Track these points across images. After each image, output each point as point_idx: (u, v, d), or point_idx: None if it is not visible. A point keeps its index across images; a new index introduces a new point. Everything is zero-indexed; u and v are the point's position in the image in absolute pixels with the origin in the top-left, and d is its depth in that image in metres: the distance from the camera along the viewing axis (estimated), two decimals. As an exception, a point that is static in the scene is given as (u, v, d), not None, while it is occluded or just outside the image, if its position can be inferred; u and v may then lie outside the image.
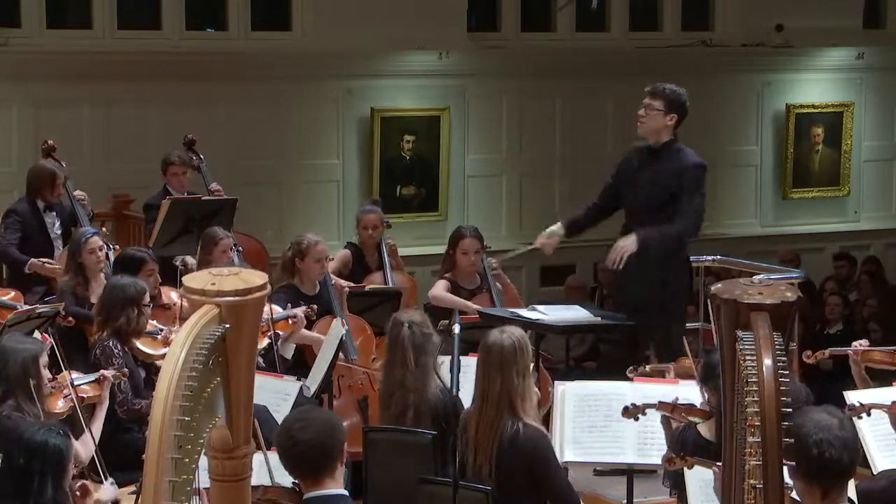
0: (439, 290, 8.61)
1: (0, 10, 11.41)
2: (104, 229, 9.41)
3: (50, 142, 9.69)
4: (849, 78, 14.37)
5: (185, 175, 9.96)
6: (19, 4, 11.42)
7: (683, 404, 5.85)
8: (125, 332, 7.13)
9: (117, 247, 9.23)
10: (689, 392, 6.11)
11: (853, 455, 4.12)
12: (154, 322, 7.45)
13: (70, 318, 7.60)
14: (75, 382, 6.46)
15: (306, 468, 4.41)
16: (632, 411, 5.93)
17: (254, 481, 5.28)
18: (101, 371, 6.72)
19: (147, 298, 7.32)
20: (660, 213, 7.90)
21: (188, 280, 3.54)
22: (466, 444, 5.79)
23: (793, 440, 3.88)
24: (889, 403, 5.95)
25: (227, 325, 3.45)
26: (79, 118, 11.41)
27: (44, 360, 6.12)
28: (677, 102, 7.92)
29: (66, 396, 6.37)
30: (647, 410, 5.92)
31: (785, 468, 3.83)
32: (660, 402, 5.88)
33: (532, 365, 6.00)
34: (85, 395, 6.52)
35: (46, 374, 6.17)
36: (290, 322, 7.90)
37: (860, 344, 7.01)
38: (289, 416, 4.79)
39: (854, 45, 14.15)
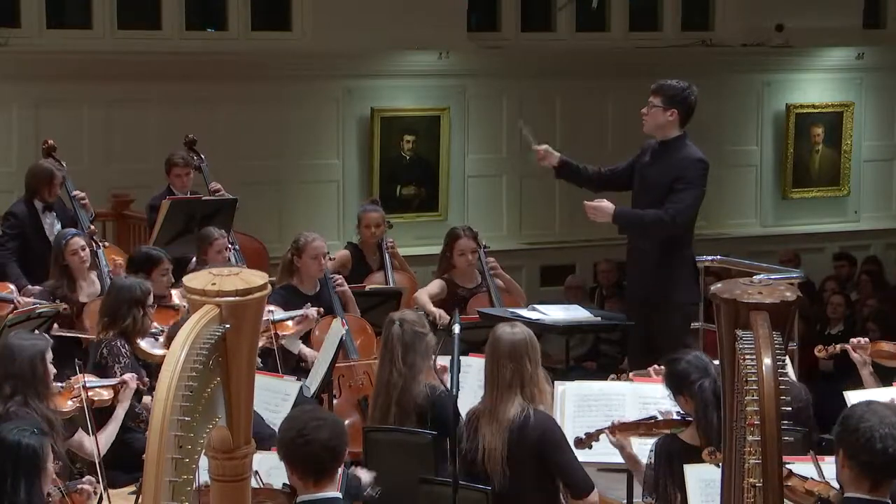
0: (423, 294, 8.61)
1: (0, 10, 11.41)
2: (93, 227, 9.36)
3: (50, 142, 9.68)
4: (849, 78, 14.37)
5: (189, 176, 9.95)
6: (19, 4, 11.41)
7: (653, 420, 5.80)
8: (131, 332, 7.16)
9: (106, 244, 9.19)
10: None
11: None
12: (155, 324, 7.45)
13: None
14: (89, 385, 6.45)
15: (313, 468, 4.36)
16: (585, 441, 5.86)
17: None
18: (123, 377, 6.71)
19: (151, 299, 7.33)
20: (659, 206, 7.89)
21: (188, 280, 3.54)
22: (474, 435, 5.78)
23: (853, 429, 3.93)
24: None
25: (228, 326, 3.45)
26: (79, 118, 11.41)
27: (49, 356, 6.12)
28: (677, 97, 7.89)
29: (75, 398, 6.36)
30: (600, 437, 5.82)
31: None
32: (620, 424, 5.80)
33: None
34: (96, 399, 6.51)
35: (53, 370, 6.16)
36: (299, 323, 7.90)
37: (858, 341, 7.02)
38: (299, 414, 4.68)
39: (854, 45, 14.15)
